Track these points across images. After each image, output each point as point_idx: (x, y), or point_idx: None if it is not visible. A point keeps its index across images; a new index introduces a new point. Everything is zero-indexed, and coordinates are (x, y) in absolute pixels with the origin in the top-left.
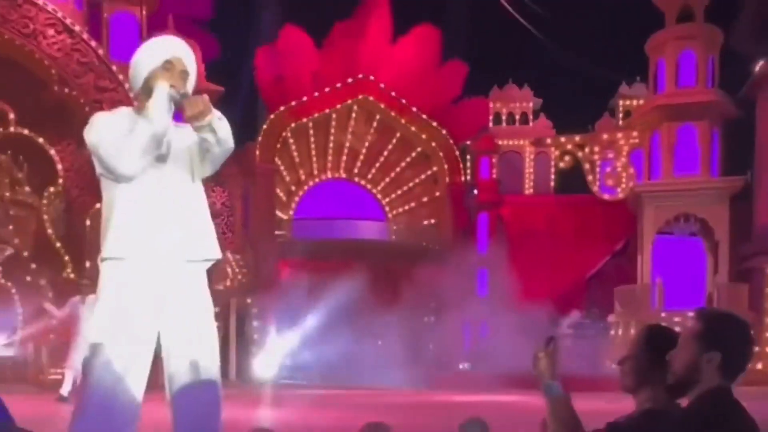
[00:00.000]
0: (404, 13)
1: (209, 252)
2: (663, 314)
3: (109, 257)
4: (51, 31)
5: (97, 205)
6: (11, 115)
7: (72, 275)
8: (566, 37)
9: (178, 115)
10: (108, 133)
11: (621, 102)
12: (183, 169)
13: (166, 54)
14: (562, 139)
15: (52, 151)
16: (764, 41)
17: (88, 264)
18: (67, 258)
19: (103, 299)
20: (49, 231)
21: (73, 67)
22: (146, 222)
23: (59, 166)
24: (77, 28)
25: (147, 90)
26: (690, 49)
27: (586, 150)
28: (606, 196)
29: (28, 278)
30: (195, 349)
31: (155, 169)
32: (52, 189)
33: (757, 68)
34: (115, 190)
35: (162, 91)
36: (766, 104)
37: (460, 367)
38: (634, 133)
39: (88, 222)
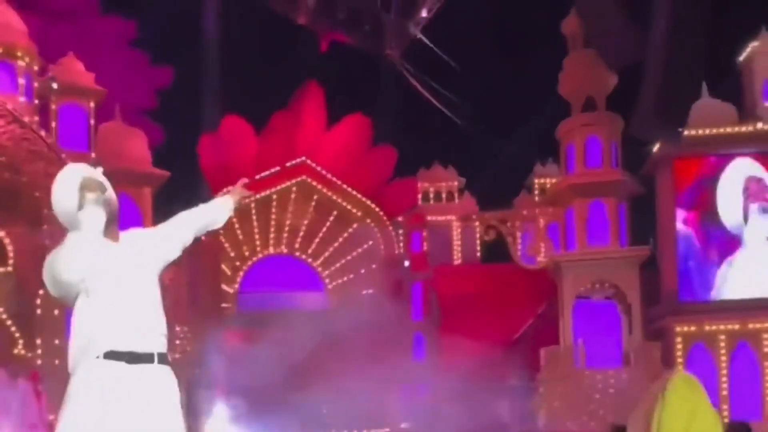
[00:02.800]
0: (337, 103)
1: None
2: (586, 372)
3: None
4: (1, 122)
5: None
6: None
7: (23, 352)
8: (486, 122)
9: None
10: None
11: (536, 180)
12: (137, 270)
13: (78, 178)
14: (486, 215)
15: (2, 233)
16: (659, 128)
17: (39, 341)
18: (18, 335)
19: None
20: (1, 309)
21: (22, 155)
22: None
23: (9, 248)
24: (27, 118)
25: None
26: (595, 134)
27: (508, 224)
28: (527, 266)
29: None
30: None
31: (109, 275)
32: (2, 270)
33: (654, 150)
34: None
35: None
36: (663, 182)
37: (402, 426)
38: (551, 209)
39: (39, 301)
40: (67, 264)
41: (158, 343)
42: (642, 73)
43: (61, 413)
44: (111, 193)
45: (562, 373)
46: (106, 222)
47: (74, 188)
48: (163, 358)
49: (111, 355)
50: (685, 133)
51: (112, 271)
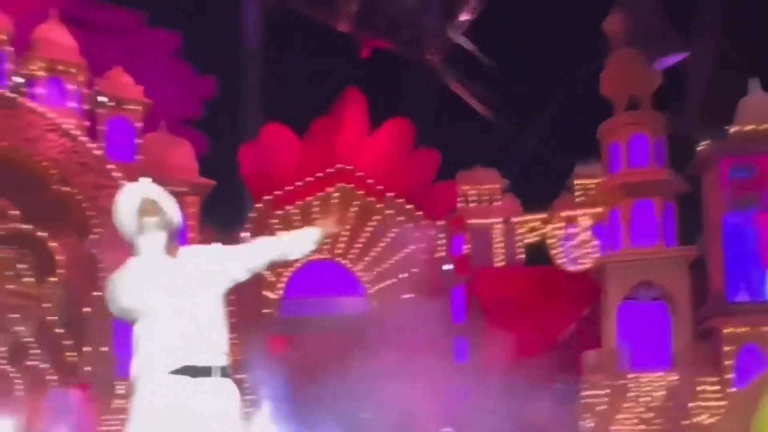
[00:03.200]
0: (378, 107)
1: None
2: (633, 375)
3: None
4: (51, 136)
5: (95, 293)
6: (15, 213)
7: (72, 358)
8: (526, 122)
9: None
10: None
11: (578, 181)
12: (198, 287)
13: (137, 201)
14: (528, 217)
15: (54, 244)
16: (705, 125)
17: (89, 348)
18: (67, 342)
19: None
20: (51, 318)
21: (72, 167)
22: (166, 344)
23: (60, 258)
24: (76, 132)
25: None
26: (640, 132)
27: (550, 226)
28: (571, 267)
29: (31, 363)
30: None
31: (170, 295)
32: (53, 279)
33: (700, 148)
34: (138, 327)
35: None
36: (710, 180)
37: (443, 430)
38: (594, 210)
39: (88, 309)
40: (127, 291)
41: (219, 358)
42: (687, 71)
43: (127, 428)
44: (172, 210)
45: (606, 376)
46: (166, 240)
47: (132, 213)
48: (224, 372)
49: (173, 371)
50: (732, 129)
51: (172, 291)
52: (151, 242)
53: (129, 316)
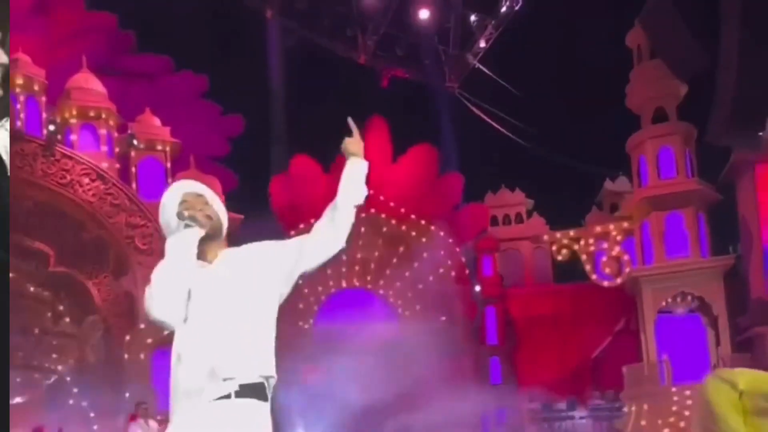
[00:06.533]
0: (402, 135)
1: (252, 371)
2: (673, 389)
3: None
4: (86, 180)
5: (133, 330)
6: (52, 255)
7: (111, 395)
8: (550, 141)
9: None
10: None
11: (607, 196)
12: (237, 291)
13: (179, 195)
14: (558, 235)
15: (90, 284)
16: (736, 133)
17: (128, 384)
18: (106, 380)
19: None
20: (89, 357)
21: (106, 209)
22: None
23: (97, 298)
24: (109, 175)
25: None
26: (668, 145)
27: (581, 242)
28: (604, 283)
29: (71, 402)
30: None
31: (204, 302)
32: (90, 318)
33: (732, 156)
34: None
35: (180, 229)
36: (744, 188)
37: None
38: (625, 224)
39: (126, 346)
40: (156, 300)
41: (253, 374)
42: (714, 80)
43: None
44: (217, 206)
45: (647, 391)
46: (207, 239)
47: (174, 208)
48: (246, 391)
49: (191, 391)
50: (766, 135)
51: (205, 300)
52: (186, 238)
53: (164, 327)
